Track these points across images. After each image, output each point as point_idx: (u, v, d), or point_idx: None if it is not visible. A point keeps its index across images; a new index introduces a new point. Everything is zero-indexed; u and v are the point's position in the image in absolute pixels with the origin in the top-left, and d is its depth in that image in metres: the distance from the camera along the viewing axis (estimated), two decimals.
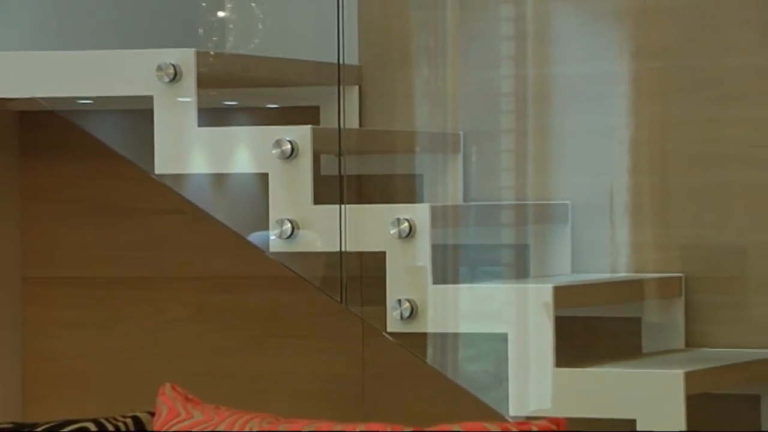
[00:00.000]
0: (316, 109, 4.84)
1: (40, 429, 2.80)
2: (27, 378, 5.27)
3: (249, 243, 4.46)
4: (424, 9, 5.14)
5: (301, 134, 4.29)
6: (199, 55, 4.31)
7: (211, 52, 4.56)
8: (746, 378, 4.68)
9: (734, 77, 4.80)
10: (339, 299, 4.45)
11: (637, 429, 4.18)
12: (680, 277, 4.81)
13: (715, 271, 4.84)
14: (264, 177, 4.32)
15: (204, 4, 4.99)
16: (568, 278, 4.79)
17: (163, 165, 4.36)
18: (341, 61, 4.60)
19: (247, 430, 2.67)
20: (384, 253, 4.28)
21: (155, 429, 2.74)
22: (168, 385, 2.83)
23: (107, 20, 5.04)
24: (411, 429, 2.65)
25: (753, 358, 4.65)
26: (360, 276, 4.37)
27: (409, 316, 4.25)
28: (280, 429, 2.66)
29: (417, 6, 5.14)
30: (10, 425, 2.85)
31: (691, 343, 4.81)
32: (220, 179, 4.47)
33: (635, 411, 4.17)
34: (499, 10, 5.20)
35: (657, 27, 5.02)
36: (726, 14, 4.79)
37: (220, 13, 4.97)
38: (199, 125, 4.32)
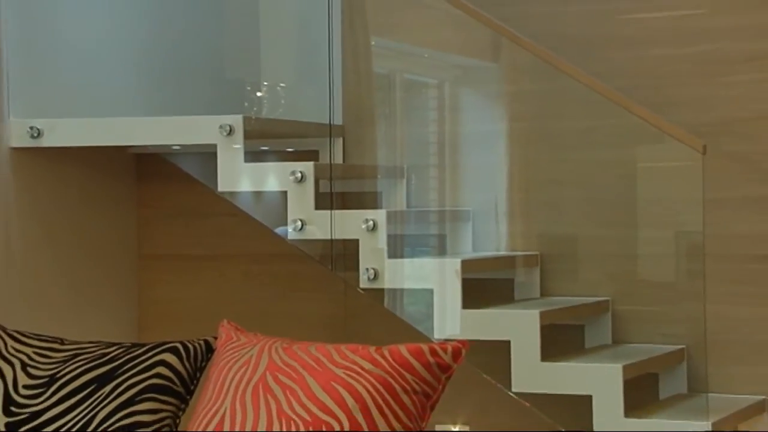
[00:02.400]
0: (316, 152, 4.77)
1: (148, 346, 2.75)
2: (141, 317, 5.24)
3: (275, 234, 4.53)
4: (383, 91, 5.15)
5: (307, 167, 4.34)
6: (245, 119, 4.34)
7: (252, 117, 4.49)
8: (576, 314, 4.69)
9: (566, 136, 4.84)
10: (330, 268, 4.53)
11: (511, 348, 4.20)
12: (537, 255, 4.85)
13: (557, 250, 4.86)
14: (284, 193, 4.36)
15: (248, 88, 4.91)
16: (469, 255, 4.84)
17: (223, 185, 4.37)
18: (331, 123, 4.66)
19: (274, 348, 2.57)
20: (358, 240, 4.35)
21: (217, 347, 2.70)
22: (225, 320, 2.79)
23: (191, 95, 4.88)
24: (373, 347, 2.53)
25: (580, 302, 4.70)
26: (343, 254, 4.40)
27: (373, 278, 4.33)
28: (294, 347, 2.57)
29: (379, 89, 5.13)
30: (130, 344, 2.81)
31: (543, 294, 4.83)
32: (257, 194, 4.51)
33: (510, 335, 4.23)
34: (428, 92, 5.29)
35: (521, 105, 4.98)
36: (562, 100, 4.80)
37: (258, 93, 4.91)
38: (245, 161, 4.35)
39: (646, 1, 4.81)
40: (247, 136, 4.35)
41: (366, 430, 2.36)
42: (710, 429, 4.04)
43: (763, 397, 4.58)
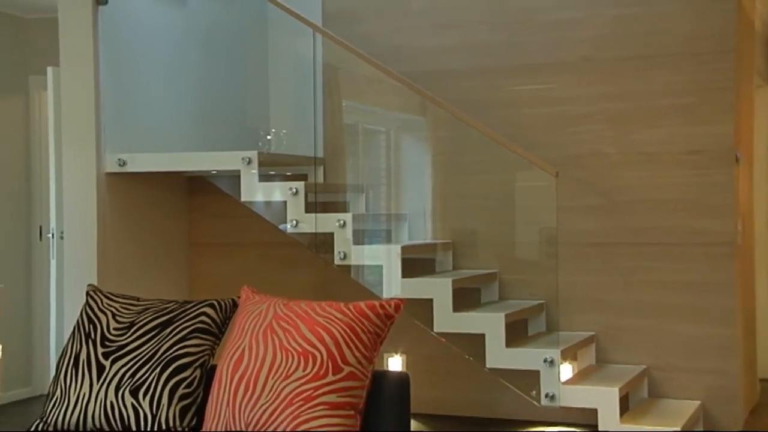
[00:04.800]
0: (306, 175, 4.70)
1: (195, 302, 2.68)
2: (190, 284, 5.14)
3: (279, 229, 4.42)
4: (350, 135, 5.14)
5: (299, 185, 4.29)
6: (259, 153, 4.31)
7: (264, 152, 4.47)
8: (475, 281, 4.67)
9: (469, 165, 4.81)
10: (315, 251, 4.48)
11: (433, 303, 4.21)
12: (450, 242, 4.85)
13: (463, 239, 4.86)
14: (285, 202, 4.32)
15: (261, 133, 4.91)
16: (406, 243, 4.77)
17: (244, 197, 4.33)
18: (315, 156, 4.66)
19: (277, 304, 2.49)
20: (333, 233, 4.31)
21: (240, 303, 2.61)
22: (245, 286, 2.69)
23: (224, 137, 4.90)
24: (343, 303, 2.45)
25: (478, 273, 4.70)
26: (323, 242, 4.34)
27: (343, 258, 4.31)
28: (290, 304, 2.49)
29: (347, 134, 5.10)
30: (183, 301, 2.73)
31: (454, 268, 4.81)
32: (267, 203, 4.43)
33: (432, 295, 4.22)
34: (380, 136, 5.22)
35: (439, 145, 4.96)
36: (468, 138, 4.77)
37: (268, 137, 4.90)
38: (259, 181, 4.31)
39: (521, 78, 4.80)
40: (261, 164, 4.32)
41: (337, 357, 2.37)
42: (559, 354, 4.09)
43: (593, 333, 4.63)
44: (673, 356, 4.51)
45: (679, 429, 3.90)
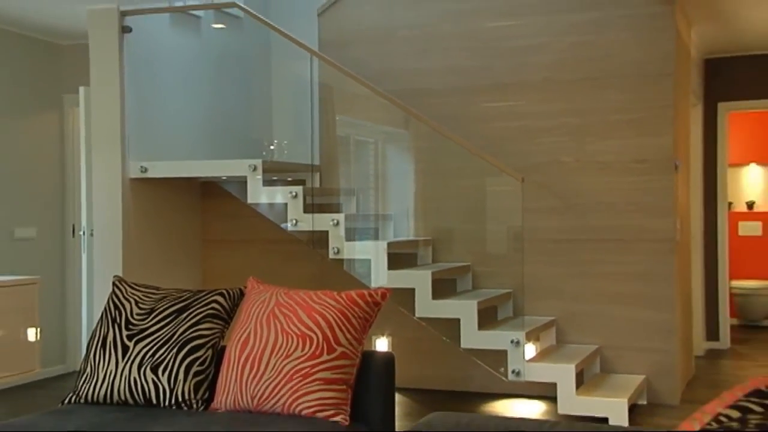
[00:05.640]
0: (304, 180, 4.66)
1: (207, 291, 2.64)
2: (203, 275, 5.12)
3: (280, 227, 4.38)
4: (343, 146, 5.09)
5: (299, 189, 4.28)
6: (263, 161, 4.28)
7: (268, 160, 4.44)
8: (451, 272, 4.60)
9: (447, 172, 4.79)
10: (312, 247, 4.46)
11: (415, 292, 4.20)
12: (430, 239, 4.82)
13: (442, 236, 4.84)
14: (285, 204, 4.30)
15: (265, 143, 4.85)
16: (392, 239, 4.75)
17: (251, 199, 4.30)
18: (312, 164, 4.62)
19: (279, 293, 2.46)
20: (327, 231, 4.29)
21: (246, 292, 2.59)
22: (251, 277, 2.65)
23: (233, 147, 4.84)
24: (336, 292, 2.44)
25: (454, 266, 4.66)
26: (319, 239, 4.32)
27: (337, 253, 4.29)
28: (291, 293, 2.47)
29: (340, 144, 5.06)
30: (196, 290, 2.69)
31: (434, 261, 4.79)
32: (270, 204, 4.40)
33: (415, 284, 4.22)
34: (368, 146, 5.17)
35: (421, 154, 4.93)
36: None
37: (271, 147, 4.84)
38: (263, 185, 4.29)
39: (491, 96, 4.80)
40: (264, 171, 4.31)
41: (331, 339, 2.37)
42: (524, 336, 4.09)
43: (553, 317, 4.64)
44: (621, 337, 4.53)
45: (625, 399, 3.92)
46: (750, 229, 7.30)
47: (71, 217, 5.58)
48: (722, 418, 1.11)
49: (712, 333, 6.12)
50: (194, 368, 2.49)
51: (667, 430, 3.35)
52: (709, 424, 1.12)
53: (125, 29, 4.35)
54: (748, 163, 7.41)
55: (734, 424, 1.06)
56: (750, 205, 7.38)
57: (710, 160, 6.14)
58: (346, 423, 2.30)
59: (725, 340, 6.14)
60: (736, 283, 7.03)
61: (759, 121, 7.23)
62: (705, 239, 6.10)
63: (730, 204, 6.84)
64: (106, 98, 4.37)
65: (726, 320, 6.14)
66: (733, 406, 1.11)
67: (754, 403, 1.10)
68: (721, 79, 6.13)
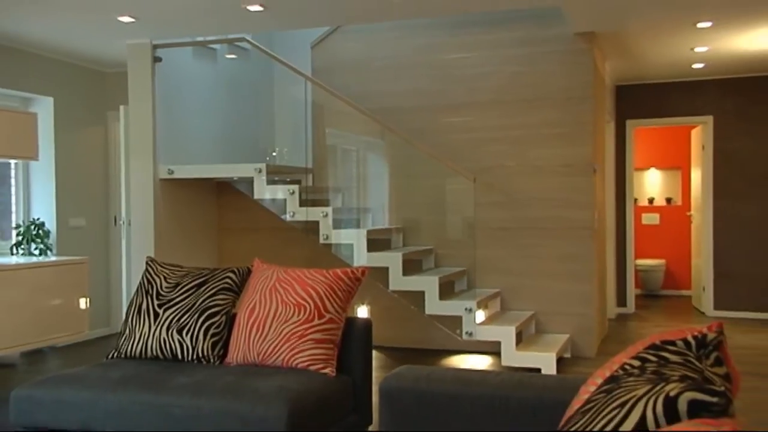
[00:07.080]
0: (300, 180, 4.58)
1: (222, 269, 2.55)
2: (219, 257, 5.04)
3: (281, 218, 4.33)
4: (331, 153, 4.99)
5: (296, 187, 4.24)
6: (267, 165, 4.25)
7: (271, 164, 4.36)
8: (418, 254, 4.55)
9: (416, 174, 4.70)
10: (306, 234, 4.40)
11: (389, 270, 4.10)
12: (402, 227, 4.74)
13: (411, 225, 4.76)
14: (285, 199, 4.25)
15: (269, 150, 4.83)
16: (370, 228, 4.63)
17: (257, 195, 4.25)
18: (306, 166, 4.60)
19: (280, 271, 2.40)
20: (318, 221, 4.24)
21: (253, 270, 2.51)
22: (257, 258, 2.59)
23: (242, 153, 4.78)
24: (326, 270, 2.39)
25: (420, 249, 4.55)
26: (312, 228, 4.26)
27: (326, 239, 4.24)
28: (289, 271, 2.40)
29: (329, 152, 4.96)
30: (213, 268, 2.64)
31: (404, 245, 4.71)
32: (273, 200, 4.32)
33: (389, 264, 4.11)
34: (352, 154, 5.04)
35: (394, 160, 4.82)
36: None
37: (273, 153, 4.83)
38: (267, 184, 4.23)
39: (450, 113, 4.75)
40: (268, 173, 4.27)
41: (321, 307, 2.36)
42: (475, 305, 4.07)
43: (499, 289, 4.61)
44: (552, 304, 4.53)
45: (554, 353, 3.93)
46: (650, 219, 7.39)
47: (113, 210, 5.49)
48: (627, 367, 1.13)
49: (622, 300, 6.16)
50: (211, 330, 2.47)
51: (585, 376, 3.40)
52: (616, 371, 1.14)
53: (157, 59, 4.34)
54: (649, 168, 7.49)
55: (636, 371, 1.09)
56: (651, 200, 7.47)
57: (620, 165, 6.17)
58: (333, 374, 2.30)
59: (631, 305, 6.18)
60: (639, 261, 7.12)
61: (658, 135, 7.32)
62: (616, 227, 6.14)
63: (635, 200, 6.94)
64: (141, 115, 4.35)
65: (632, 290, 6.19)
66: (636, 357, 1.14)
67: (651, 354, 1.12)
68: (629, 101, 6.17)
